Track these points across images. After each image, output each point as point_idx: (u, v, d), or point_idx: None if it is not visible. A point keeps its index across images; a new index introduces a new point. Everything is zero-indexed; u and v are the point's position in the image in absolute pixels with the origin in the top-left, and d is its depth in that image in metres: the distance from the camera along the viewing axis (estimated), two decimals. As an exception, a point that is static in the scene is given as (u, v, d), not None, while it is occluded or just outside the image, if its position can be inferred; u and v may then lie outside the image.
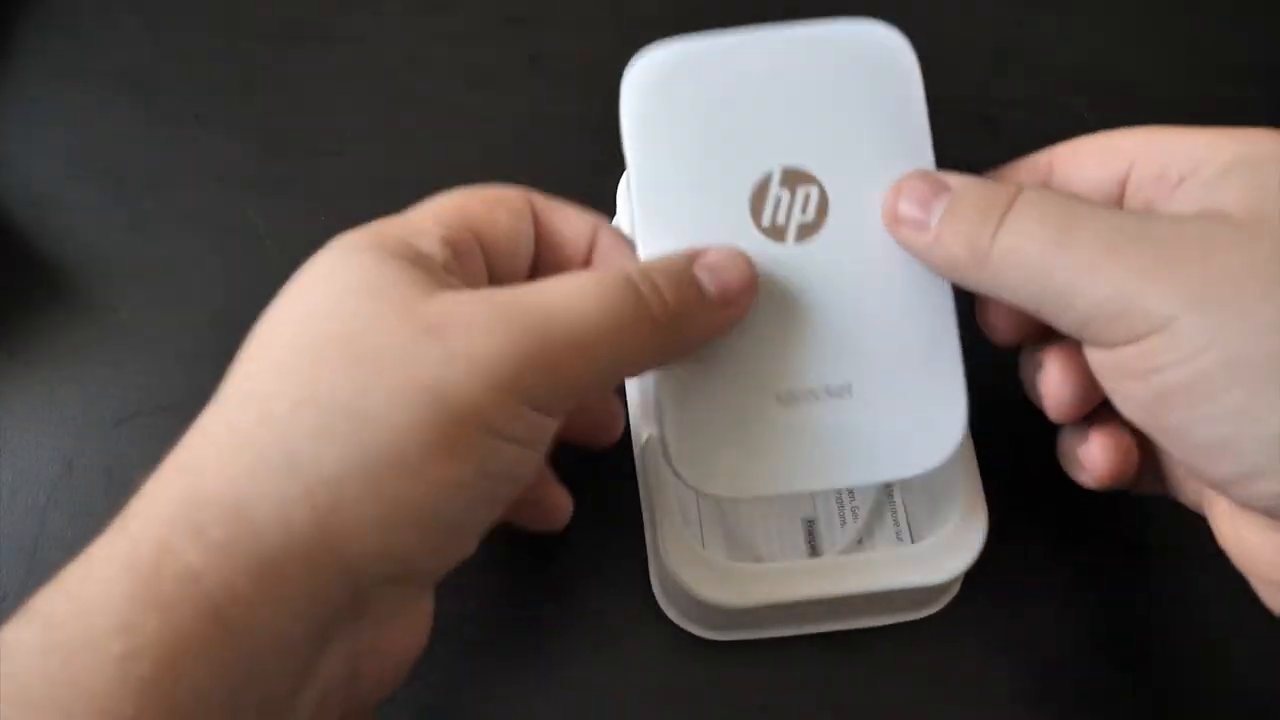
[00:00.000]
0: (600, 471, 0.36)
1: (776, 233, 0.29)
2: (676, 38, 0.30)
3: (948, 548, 0.32)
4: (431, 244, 0.26)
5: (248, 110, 0.41)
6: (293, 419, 0.23)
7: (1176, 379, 0.24)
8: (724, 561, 0.32)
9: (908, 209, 0.27)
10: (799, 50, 0.30)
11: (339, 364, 0.23)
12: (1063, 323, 0.26)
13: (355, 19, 0.43)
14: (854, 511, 0.35)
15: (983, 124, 0.41)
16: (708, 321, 0.27)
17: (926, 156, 0.29)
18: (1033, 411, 0.30)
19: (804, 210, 0.29)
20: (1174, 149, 0.27)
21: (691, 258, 0.27)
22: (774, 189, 0.29)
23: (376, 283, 0.24)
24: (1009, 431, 0.33)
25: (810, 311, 0.29)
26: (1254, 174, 0.25)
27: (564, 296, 0.25)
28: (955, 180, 0.28)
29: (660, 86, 0.30)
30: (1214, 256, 0.24)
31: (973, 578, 0.33)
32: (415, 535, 0.24)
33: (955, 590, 0.35)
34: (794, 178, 0.29)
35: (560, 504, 0.31)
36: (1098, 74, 0.42)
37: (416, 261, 0.25)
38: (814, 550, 0.35)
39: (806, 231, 0.29)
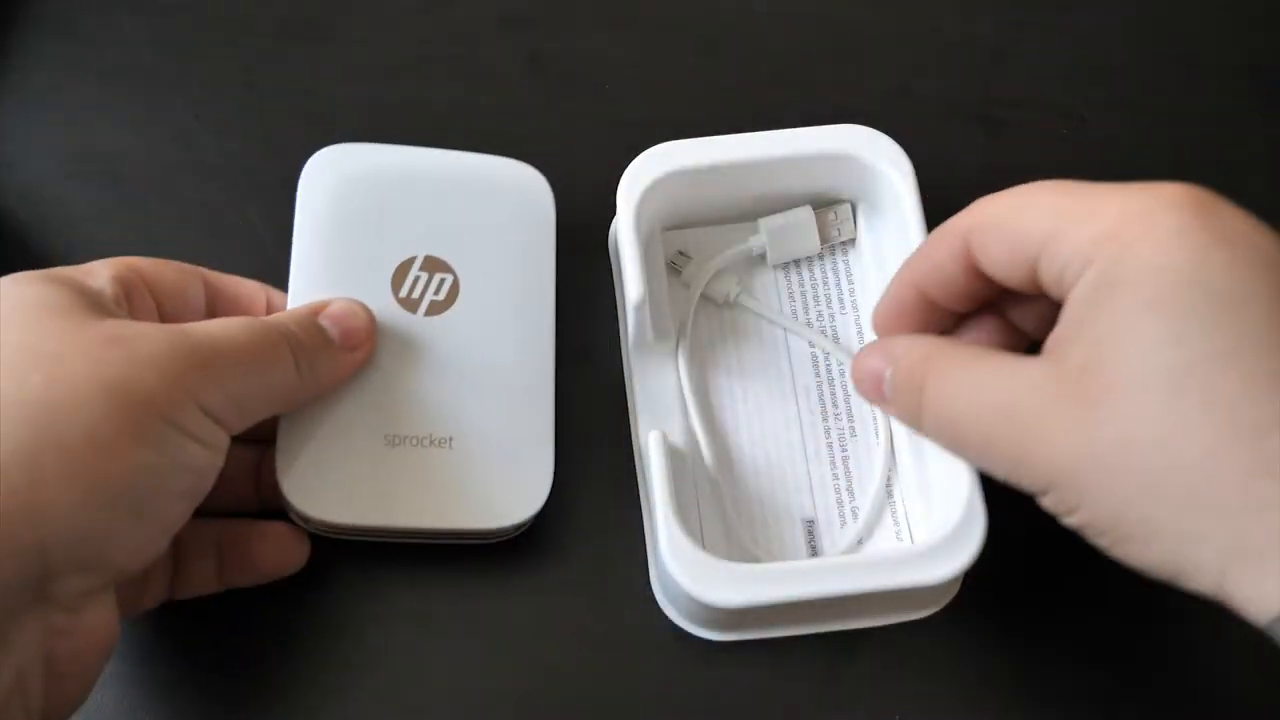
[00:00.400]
0: (602, 472, 0.36)
1: (410, 305, 0.35)
2: (362, 144, 0.36)
3: (946, 548, 0.32)
4: (101, 281, 0.30)
5: (248, 110, 0.41)
6: None
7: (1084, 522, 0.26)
8: (722, 562, 0.32)
9: (866, 389, 0.31)
10: (462, 171, 0.37)
11: (26, 366, 0.26)
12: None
13: (355, 19, 0.43)
14: (854, 512, 0.35)
15: (983, 124, 0.41)
16: (334, 361, 0.33)
17: (548, 269, 0.36)
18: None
19: (437, 291, 0.35)
20: (1031, 237, 0.27)
21: (317, 308, 0.33)
22: (415, 270, 0.35)
23: (54, 303, 0.28)
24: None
25: (427, 373, 0.34)
26: (1102, 307, 0.25)
27: (221, 327, 0.30)
28: (894, 353, 0.30)
29: (332, 177, 0.36)
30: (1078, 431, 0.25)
31: (973, 578, 0.33)
32: (108, 517, 0.26)
33: (955, 591, 0.35)
34: (434, 264, 0.35)
35: (294, 545, 0.34)
36: (1098, 74, 0.42)
37: (85, 293, 0.29)
38: (814, 551, 0.35)
39: (437, 308, 0.35)
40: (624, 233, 0.35)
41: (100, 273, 0.31)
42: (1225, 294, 0.24)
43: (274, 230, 0.39)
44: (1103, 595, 0.35)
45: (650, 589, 0.35)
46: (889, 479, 0.36)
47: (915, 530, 0.35)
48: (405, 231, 0.35)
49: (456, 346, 0.35)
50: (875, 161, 0.36)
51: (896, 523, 0.35)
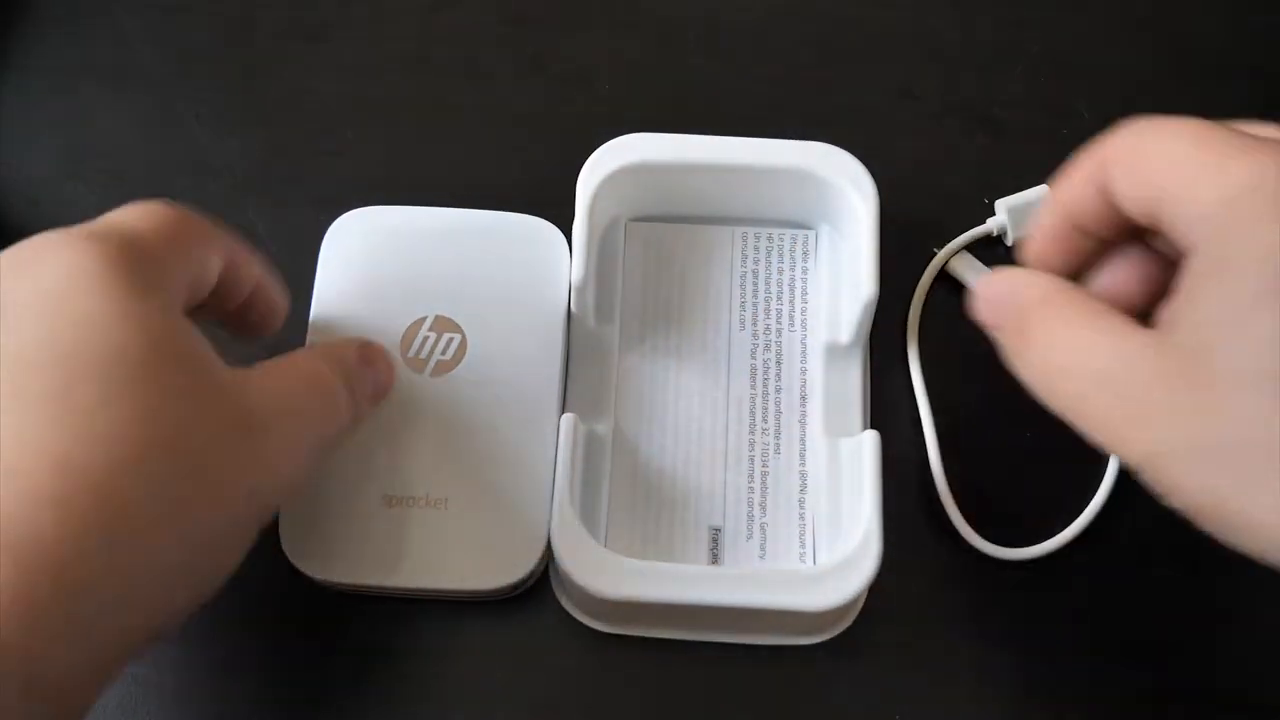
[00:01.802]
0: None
1: (417, 365, 0.35)
2: (384, 207, 0.37)
3: (832, 577, 0.32)
4: (180, 286, 0.27)
5: (248, 110, 0.41)
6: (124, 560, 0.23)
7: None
8: (605, 553, 0.32)
9: (984, 312, 0.29)
10: (480, 229, 0.37)
11: (165, 476, 0.24)
12: None
13: (355, 19, 0.43)
14: (762, 527, 0.35)
15: (983, 124, 0.41)
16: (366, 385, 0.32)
17: (558, 327, 0.36)
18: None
19: (444, 351, 0.35)
20: (1160, 180, 0.26)
21: (367, 355, 0.32)
22: (424, 330, 0.36)
23: (177, 350, 0.25)
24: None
25: (428, 433, 0.35)
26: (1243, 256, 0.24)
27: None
28: (1016, 285, 0.29)
29: (352, 240, 0.37)
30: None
31: (879, 609, 0.34)
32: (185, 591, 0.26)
33: (847, 622, 0.35)
34: (444, 324, 0.36)
35: (278, 302, 0.33)
36: (1098, 74, 0.42)
37: (186, 327, 0.26)
38: (715, 559, 0.35)
39: (443, 368, 0.35)
40: (578, 215, 0.35)
41: (171, 264, 0.27)
42: None
43: (274, 230, 0.39)
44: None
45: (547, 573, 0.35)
46: (801, 500, 0.35)
47: (820, 555, 0.35)
48: (420, 292, 0.36)
49: (459, 407, 0.35)
50: (836, 181, 0.35)
51: (803, 545, 0.35)
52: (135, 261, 0.26)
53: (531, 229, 0.37)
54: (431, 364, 0.35)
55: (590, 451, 0.34)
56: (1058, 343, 0.27)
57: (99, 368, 0.24)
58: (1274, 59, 0.43)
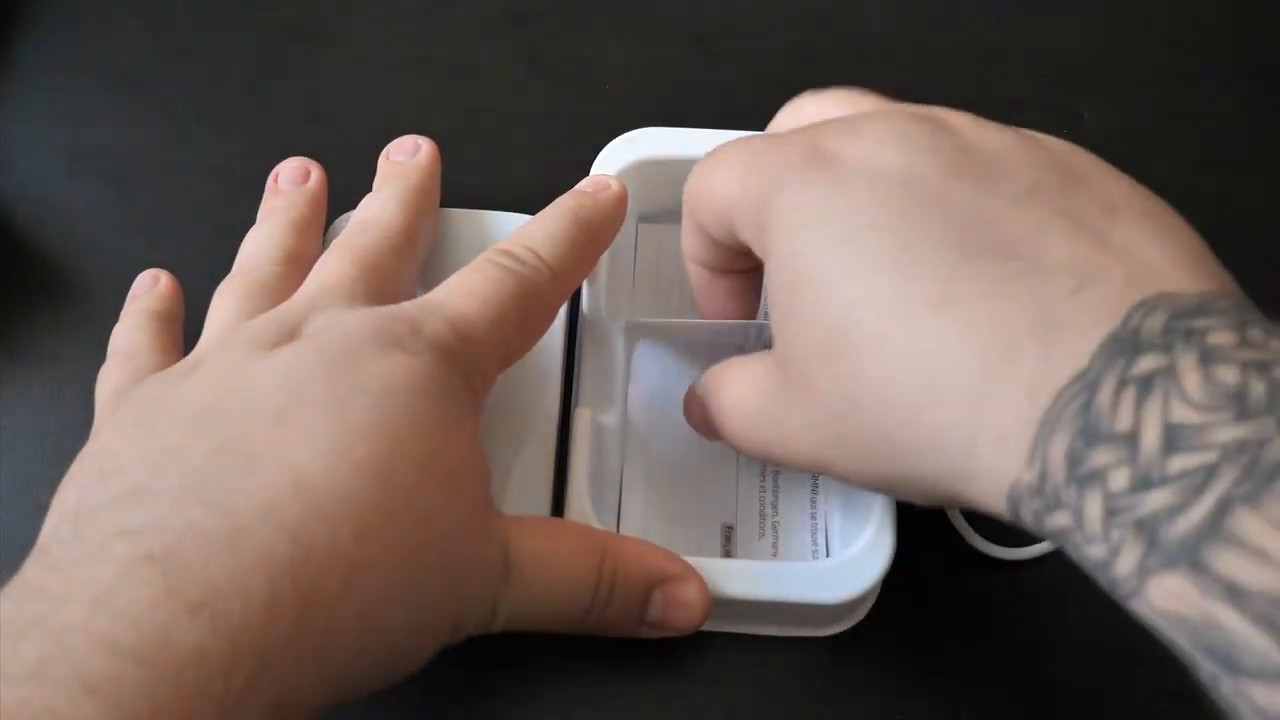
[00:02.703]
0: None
1: None
2: None
3: (838, 571, 0.32)
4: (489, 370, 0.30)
5: (247, 110, 0.41)
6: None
7: None
8: None
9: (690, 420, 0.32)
10: (476, 230, 0.37)
11: (421, 571, 0.25)
12: None
13: (355, 19, 0.43)
14: (774, 526, 0.35)
15: (983, 124, 0.41)
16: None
17: (558, 334, 0.36)
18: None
19: None
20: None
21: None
22: None
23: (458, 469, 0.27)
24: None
25: None
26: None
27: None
28: (696, 384, 0.32)
29: None
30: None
31: (879, 608, 0.34)
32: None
33: (862, 613, 0.35)
34: None
35: None
36: (1098, 74, 0.42)
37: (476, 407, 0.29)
38: (728, 555, 0.35)
39: None
40: None
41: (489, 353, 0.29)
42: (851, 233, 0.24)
43: (274, 230, 0.39)
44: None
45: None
46: (813, 499, 0.35)
47: (832, 550, 0.35)
48: (420, 291, 0.35)
49: None
50: None
51: (815, 542, 0.35)
52: (464, 375, 0.28)
53: None
54: None
55: (602, 447, 0.34)
56: (726, 407, 0.29)
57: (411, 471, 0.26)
58: (1274, 59, 0.43)
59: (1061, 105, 0.41)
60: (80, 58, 0.42)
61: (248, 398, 0.25)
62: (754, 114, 0.41)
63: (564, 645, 0.32)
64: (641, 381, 0.37)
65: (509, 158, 0.40)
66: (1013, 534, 0.36)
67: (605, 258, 0.35)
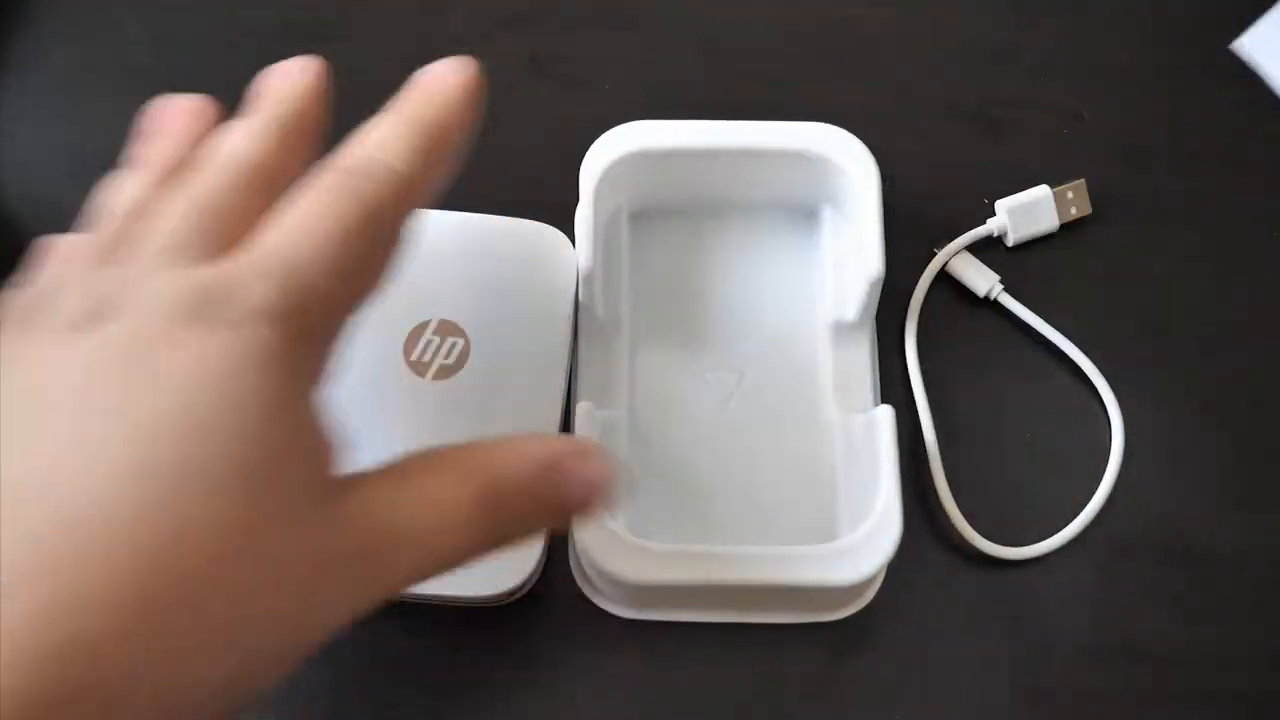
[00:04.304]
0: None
1: (420, 369, 0.35)
2: None
3: (850, 552, 0.32)
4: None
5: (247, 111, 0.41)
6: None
7: None
8: (632, 540, 0.32)
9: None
10: (486, 233, 0.37)
11: (253, 591, 0.22)
12: None
13: (355, 19, 0.43)
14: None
15: (983, 124, 0.41)
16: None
17: (563, 334, 0.36)
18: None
19: (447, 355, 0.35)
20: None
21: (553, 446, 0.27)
22: (428, 333, 0.36)
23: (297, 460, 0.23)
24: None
25: (426, 438, 0.32)
26: None
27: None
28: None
29: None
30: None
31: (879, 608, 0.34)
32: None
33: (868, 598, 0.35)
34: (448, 328, 0.36)
35: None
36: (1098, 74, 0.42)
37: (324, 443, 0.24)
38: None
39: (445, 372, 0.35)
40: (583, 202, 0.35)
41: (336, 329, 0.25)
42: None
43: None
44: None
45: (568, 561, 0.35)
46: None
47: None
48: (425, 294, 0.36)
49: (461, 411, 0.35)
50: (837, 159, 0.36)
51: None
52: (300, 338, 0.24)
53: (536, 234, 0.37)
54: (434, 368, 0.35)
55: (605, 439, 0.34)
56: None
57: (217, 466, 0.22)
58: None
59: (1062, 106, 0.41)
60: (80, 58, 0.42)
61: (32, 403, 0.22)
62: (754, 113, 0.41)
63: (562, 635, 0.32)
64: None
65: (509, 158, 0.40)
66: (1013, 534, 0.36)
67: (596, 254, 0.35)
